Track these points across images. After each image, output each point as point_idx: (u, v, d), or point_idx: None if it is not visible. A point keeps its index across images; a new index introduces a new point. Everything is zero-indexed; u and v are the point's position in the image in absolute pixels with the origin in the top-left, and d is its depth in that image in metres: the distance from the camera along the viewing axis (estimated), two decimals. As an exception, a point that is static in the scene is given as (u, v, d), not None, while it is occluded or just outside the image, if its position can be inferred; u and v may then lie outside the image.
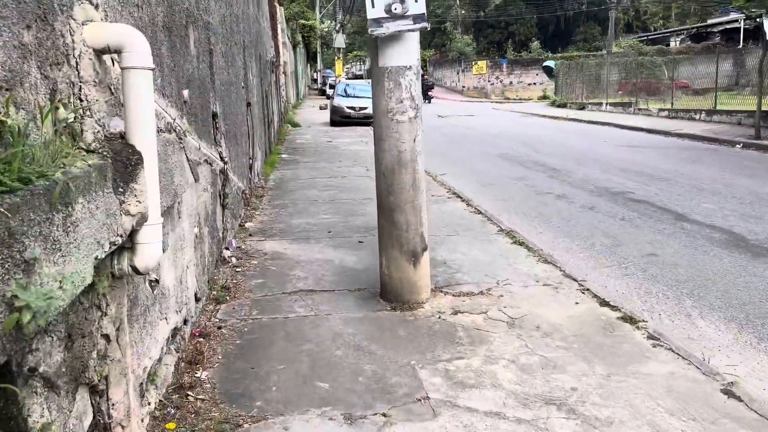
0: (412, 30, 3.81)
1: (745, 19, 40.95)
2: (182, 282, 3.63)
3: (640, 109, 21.64)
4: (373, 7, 3.78)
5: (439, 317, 4.02)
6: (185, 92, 3.87)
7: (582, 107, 25.94)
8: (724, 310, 4.37)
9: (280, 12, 27.70)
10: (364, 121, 21.23)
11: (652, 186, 8.98)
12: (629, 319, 3.92)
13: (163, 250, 2.37)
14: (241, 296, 4.42)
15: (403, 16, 3.77)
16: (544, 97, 40.97)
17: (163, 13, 3.39)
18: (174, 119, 3.44)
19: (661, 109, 20.16)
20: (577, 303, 4.25)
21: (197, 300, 4.09)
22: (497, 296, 4.40)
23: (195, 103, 4.27)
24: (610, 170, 10.51)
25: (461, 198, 8.15)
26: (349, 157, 12.80)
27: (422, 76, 41.72)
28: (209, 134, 4.82)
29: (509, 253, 5.53)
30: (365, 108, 21.33)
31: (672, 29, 52.93)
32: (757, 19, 39.64)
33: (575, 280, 4.72)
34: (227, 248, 5.50)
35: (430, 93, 34.23)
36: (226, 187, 5.43)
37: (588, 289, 4.49)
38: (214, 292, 4.45)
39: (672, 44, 49.22)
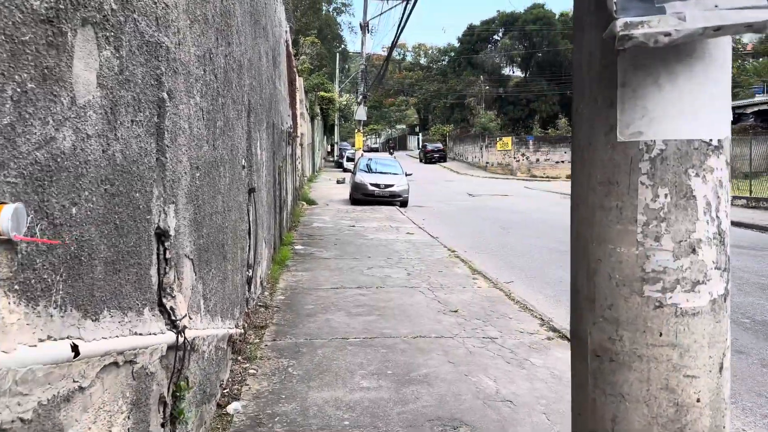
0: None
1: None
2: None
3: (708, 195, 18.95)
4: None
5: None
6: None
7: (631, 190, 23.33)
8: None
9: (300, 82, 26.01)
10: (389, 200, 18.77)
11: (837, 321, 6.10)
12: None
13: None
14: None
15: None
16: (573, 176, 38.64)
17: None
18: None
19: (735, 197, 17.47)
20: None
21: None
22: None
23: (81, 224, 1.60)
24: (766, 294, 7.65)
25: (569, 341, 5.31)
26: (381, 250, 10.10)
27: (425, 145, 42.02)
28: (137, 285, 2.11)
29: None
30: (391, 186, 18.95)
31: (701, 109, 51.27)
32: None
33: None
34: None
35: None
36: (182, 371, 2.67)
37: None
38: None
39: (699, 124, 47.28)
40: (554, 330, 5.59)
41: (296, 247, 10.21)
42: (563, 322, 6.05)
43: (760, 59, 59.66)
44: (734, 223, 14.31)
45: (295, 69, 17.90)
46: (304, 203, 18.27)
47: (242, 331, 5.07)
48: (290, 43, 16.07)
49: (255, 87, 6.26)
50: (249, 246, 5.80)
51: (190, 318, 2.96)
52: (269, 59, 8.28)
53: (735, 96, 53.54)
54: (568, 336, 5.30)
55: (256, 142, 6.49)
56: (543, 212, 17.41)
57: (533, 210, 18.05)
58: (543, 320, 5.89)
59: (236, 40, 4.86)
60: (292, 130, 14.54)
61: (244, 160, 5.28)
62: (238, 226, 4.98)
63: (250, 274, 5.82)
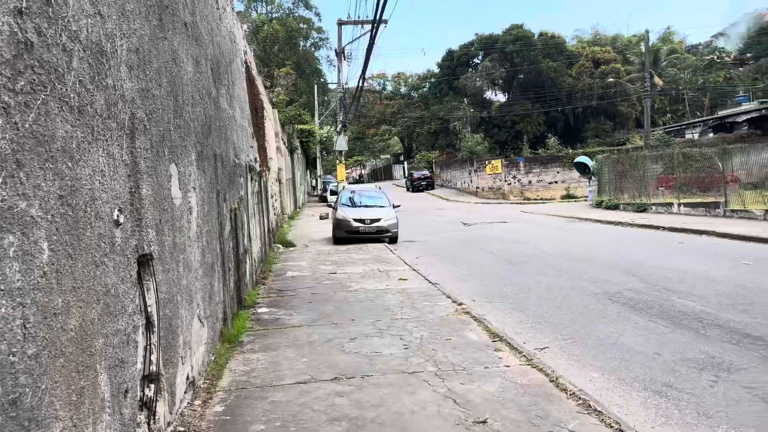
0: None
1: (778, 105, 37.94)
2: None
3: (734, 211, 16.98)
4: None
5: None
6: None
7: (642, 209, 21.31)
8: None
9: (274, 114, 24.06)
10: (375, 236, 16.60)
11: None
12: None
13: None
14: None
15: None
16: (568, 196, 36.84)
17: None
18: None
19: (769, 211, 15.52)
20: None
21: None
22: None
23: None
24: None
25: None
26: (367, 307, 7.91)
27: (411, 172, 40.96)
28: None
29: None
30: (377, 220, 16.78)
31: (691, 121, 50.23)
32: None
33: None
34: None
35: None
36: None
37: None
38: None
39: (688, 136, 46.12)
40: (652, 458, 3.40)
41: (259, 310, 7.99)
42: (651, 429, 3.87)
43: (740, 68, 59.28)
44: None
45: (261, 96, 15.90)
46: (280, 246, 16.06)
47: None
48: (252, 65, 14.09)
49: (159, 98, 4.14)
50: (147, 347, 3.60)
51: None
52: (204, 71, 6.20)
53: (723, 105, 52.71)
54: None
55: (170, 180, 4.36)
56: (552, 240, 15.31)
57: (539, 238, 15.96)
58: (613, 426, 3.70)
59: (80, 5, 2.75)
60: (257, 164, 12.44)
61: (117, 212, 3.12)
62: (100, 332, 2.80)
63: (151, 393, 3.61)
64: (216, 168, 6.61)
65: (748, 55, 56.20)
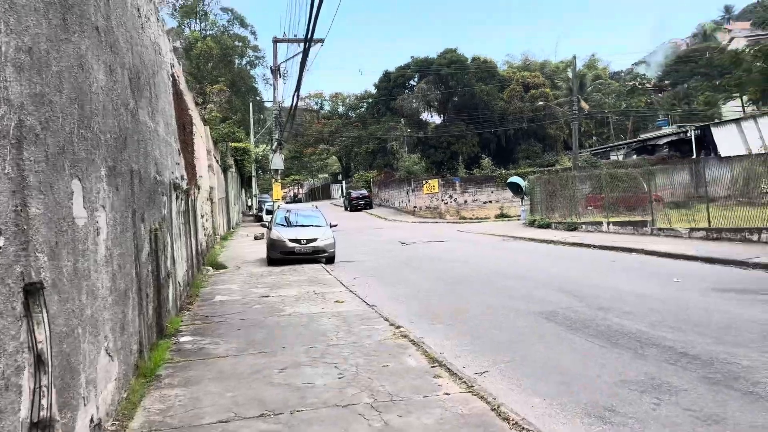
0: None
1: (694, 130, 40.31)
2: None
3: (660, 229, 17.61)
4: None
5: None
6: None
7: (573, 227, 21.85)
8: None
9: (206, 131, 23.26)
10: (312, 257, 16.15)
11: None
12: None
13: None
14: None
15: None
16: (502, 216, 37.60)
17: None
18: None
19: (693, 229, 16.14)
20: None
21: None
22: None
23: None
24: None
25: None
26: (301, 332, 7.49)
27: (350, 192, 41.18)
28: None
29: None
30: (313, 240, 16.33)
31: (616, 143, 52.66)
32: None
33: None
34: None
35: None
36: None
37: None
38: None
39: (613, 157, 48.35)
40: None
41: (182, 339, 7.40)
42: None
43: (660, 94, 63.04)
44: (696, 258, 12.79)
45: (191, 112, 15.24)
46: (210, 269, 15.32)
47: None
48: (181, 79, 13.49)
49: (59, 105, 3.67)
50: (37, 389, 3.09)
51: None
52: (119, 80, 5.70)
53: (645, 128, 55.61)
54: None
55: (72, 197, 3.86)
56: (488, 259, 15.36)
57: (476, 257, 15.97)
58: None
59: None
60: (184, 182, 11.79)
61: (-6, 234, 2.65)
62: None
63: (40, 445, 3.09)
64: (132, 185, 6.08)
65: (666, 82, 59.70)
